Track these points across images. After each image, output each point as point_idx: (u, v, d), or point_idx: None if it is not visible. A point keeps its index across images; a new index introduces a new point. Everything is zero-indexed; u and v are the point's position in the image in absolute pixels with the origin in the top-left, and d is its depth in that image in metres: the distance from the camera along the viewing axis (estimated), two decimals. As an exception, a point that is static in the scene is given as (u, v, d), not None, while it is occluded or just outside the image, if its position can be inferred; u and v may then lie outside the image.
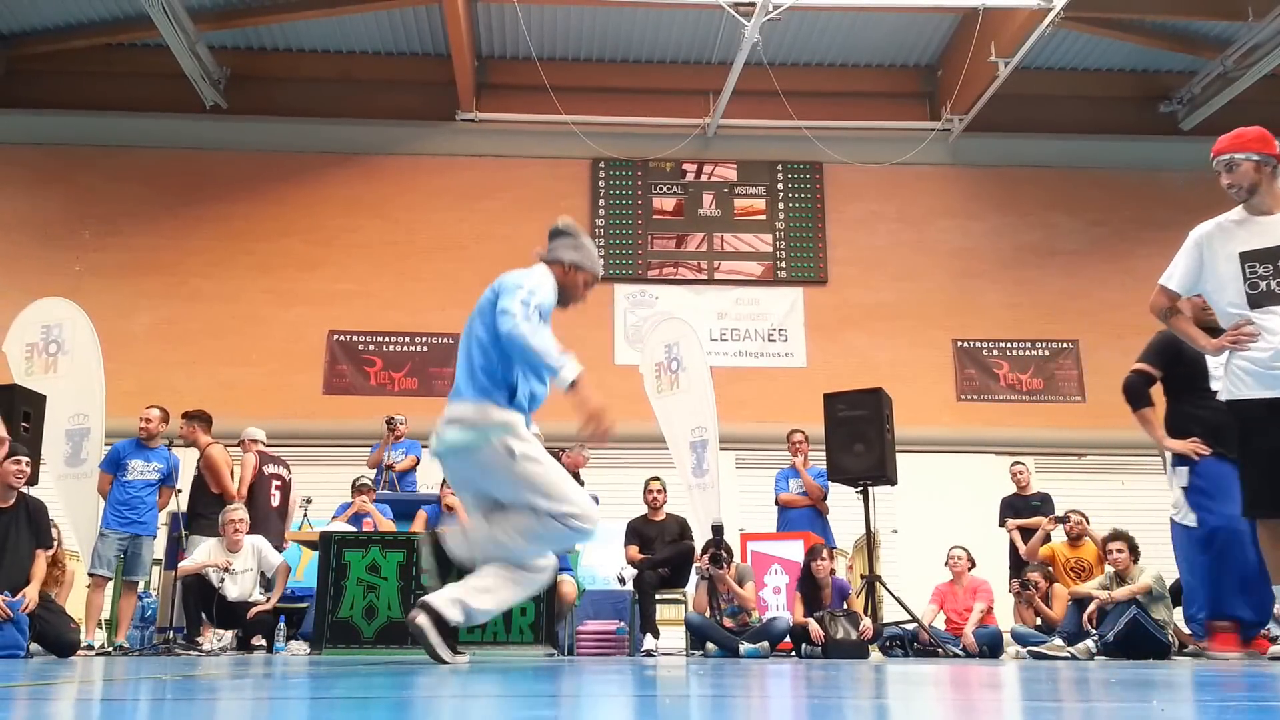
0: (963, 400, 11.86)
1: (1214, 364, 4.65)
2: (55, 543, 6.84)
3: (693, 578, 7.53)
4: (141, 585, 8.09)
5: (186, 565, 7.09)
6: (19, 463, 6.02)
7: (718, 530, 7.38)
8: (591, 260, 4.29)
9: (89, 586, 7.39)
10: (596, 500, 4.06)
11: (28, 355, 8.46)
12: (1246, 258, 4.07)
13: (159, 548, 8.05)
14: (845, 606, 6.93)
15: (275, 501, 8.12)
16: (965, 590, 7.77)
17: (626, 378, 10.79)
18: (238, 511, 7.37)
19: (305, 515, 8.69)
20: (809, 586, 6.99)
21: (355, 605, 5.89)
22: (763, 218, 12.40)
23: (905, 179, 12.42)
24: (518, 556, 3.87)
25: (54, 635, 5.96)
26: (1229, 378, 4.11)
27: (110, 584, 7.44)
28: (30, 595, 5.84)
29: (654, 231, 12.33)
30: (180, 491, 7.73)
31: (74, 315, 8.58)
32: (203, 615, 7.15)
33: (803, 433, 8.51)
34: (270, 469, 8.22)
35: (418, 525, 7.61)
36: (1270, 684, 2.74)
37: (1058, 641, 6.79)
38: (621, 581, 8.37)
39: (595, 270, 4.30)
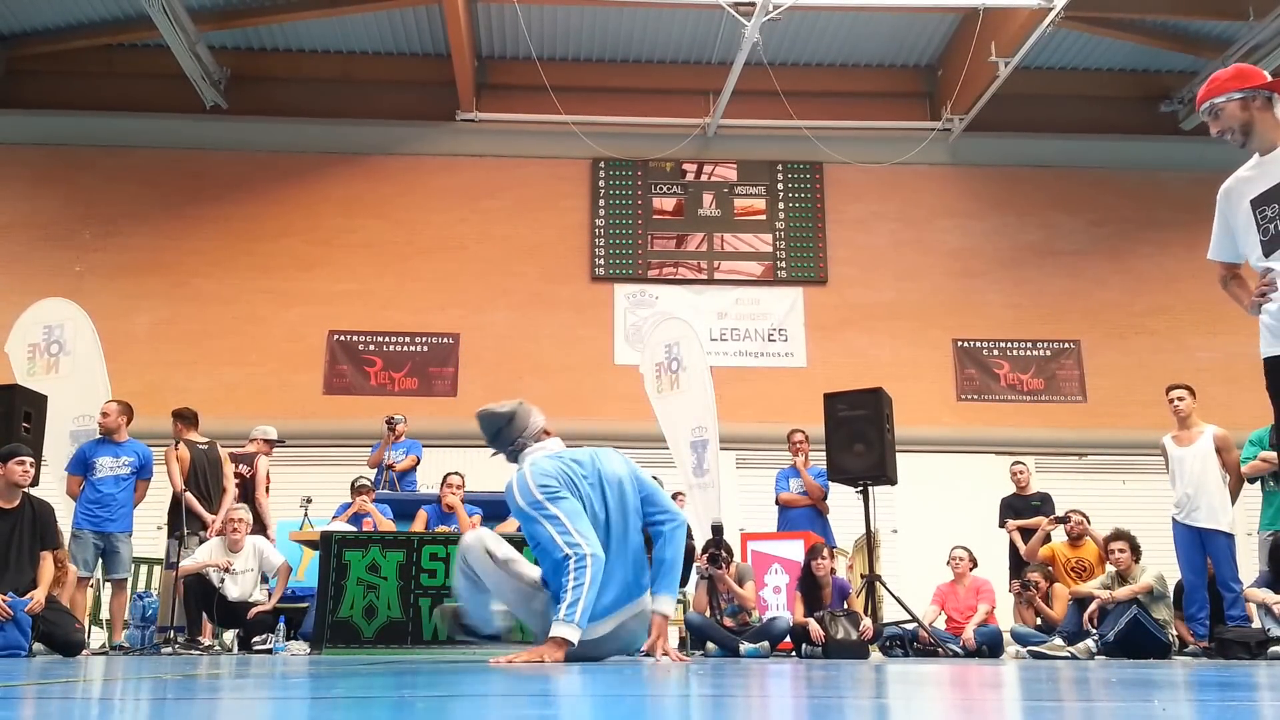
0: (963, 400, 11.85)
1: None
2: (59, 544, 6.83)
3: (693, 577, 7.52)
4: (142, 585, 8.07)
5: (187, 565, 7.09)
6: (24, 463, 6.02)
7: (717, 530, 7.38)
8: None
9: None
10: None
11: (29, 356, 8.45)
12: (1256, 203, 3.67)
13: (158, 548, 8.04)
14: (845, 606, 6.93)
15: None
16: (968, 590, 7.77)
17: (626, 378, 10.81)
18: (239, 511, 7.37)
19: (306, 515, 8.69)
20: (809, 586, 6.99)
21: (355, 605, 5.89)
22: (763, 218, 12.40)
23: (905, 179, 12.42)
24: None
25: (60, 636, 5.96)
26: (1261, 335, 3.72)
27: (102, 585, 7.41)
28: (38, 597, 5.84)
29: (654, 231, 12.33)
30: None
31: (75, 316, 8.58)
32: (203, 615, 7.15)
33: (803, 432, 8.50)
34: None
35: (418, 525, 7.61)
36: (1273, 684, 2.74)
37: (1058, 641, 6.79)
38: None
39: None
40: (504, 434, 4.12)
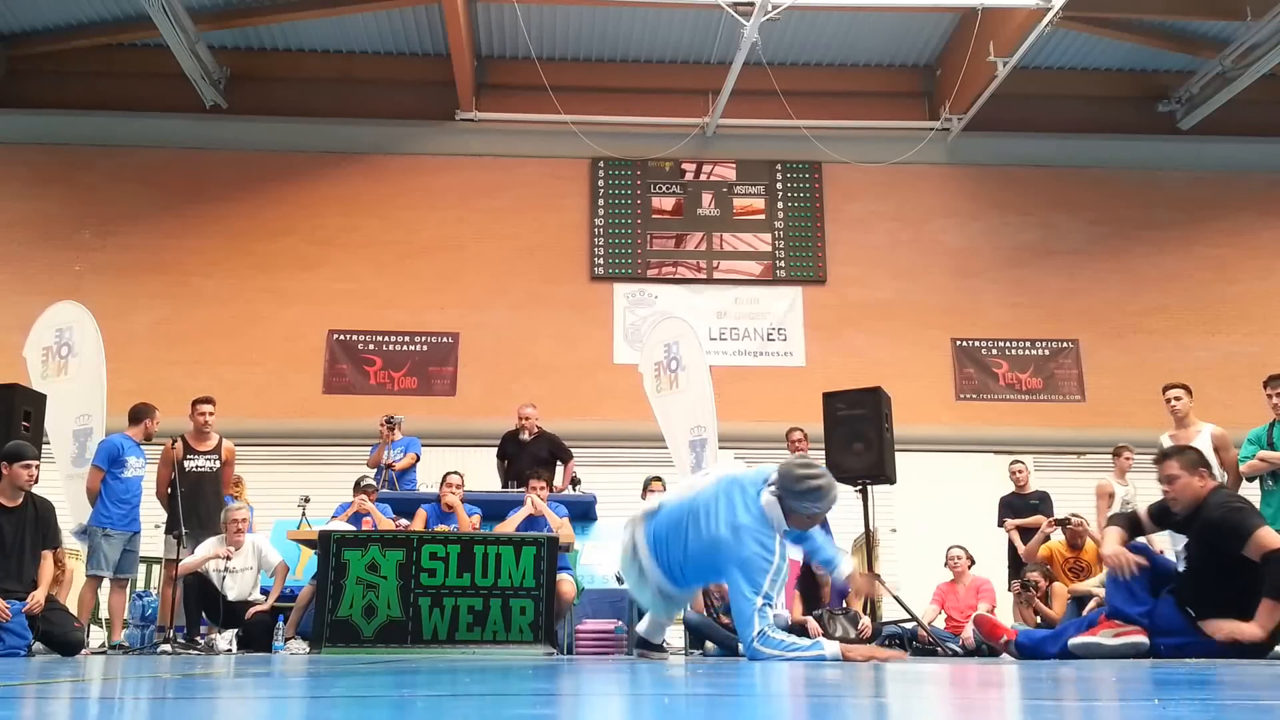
0: (962, 399, 11.86)
1: None
2: (59, 543, 6.84)
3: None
4: (141, 584, 8.04)
5: (187, 563, 7.09)
6: (29, 467, 6.02)
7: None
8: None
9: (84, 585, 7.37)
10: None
11: (43, 359, 8.51)
12: None
13: (158, 547, 8.04)
14: (844, 605, 6.94)
15: None
16: (968, 589, 7.78)
17: (626, 377, 10.81)
18: (240, 511, 7.37)
19: (304, 514, 8.68)
20: (808, 585, 7.00)
21: (355, 604, 5.89)
22: (762, 217, 12.41)
23: (904, 178, 12.43)
24: None
25: (59, 635, 5.96)
26: None
27: (101, 583, 7.41)
28: (38, 598, 5.84)
29: (653, 231, 12.33)
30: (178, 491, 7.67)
31: (82, 318, 8.62)
32: (202, 614, 7.14)
33: (802, 431, 8.51)
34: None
35: (417, 524, 7.61)
36: (1272, 684, 2.74)
37: (1056, 640, 6.79)
38: (620, 580, 8.35)
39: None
40: (801, 499, 4.22)
